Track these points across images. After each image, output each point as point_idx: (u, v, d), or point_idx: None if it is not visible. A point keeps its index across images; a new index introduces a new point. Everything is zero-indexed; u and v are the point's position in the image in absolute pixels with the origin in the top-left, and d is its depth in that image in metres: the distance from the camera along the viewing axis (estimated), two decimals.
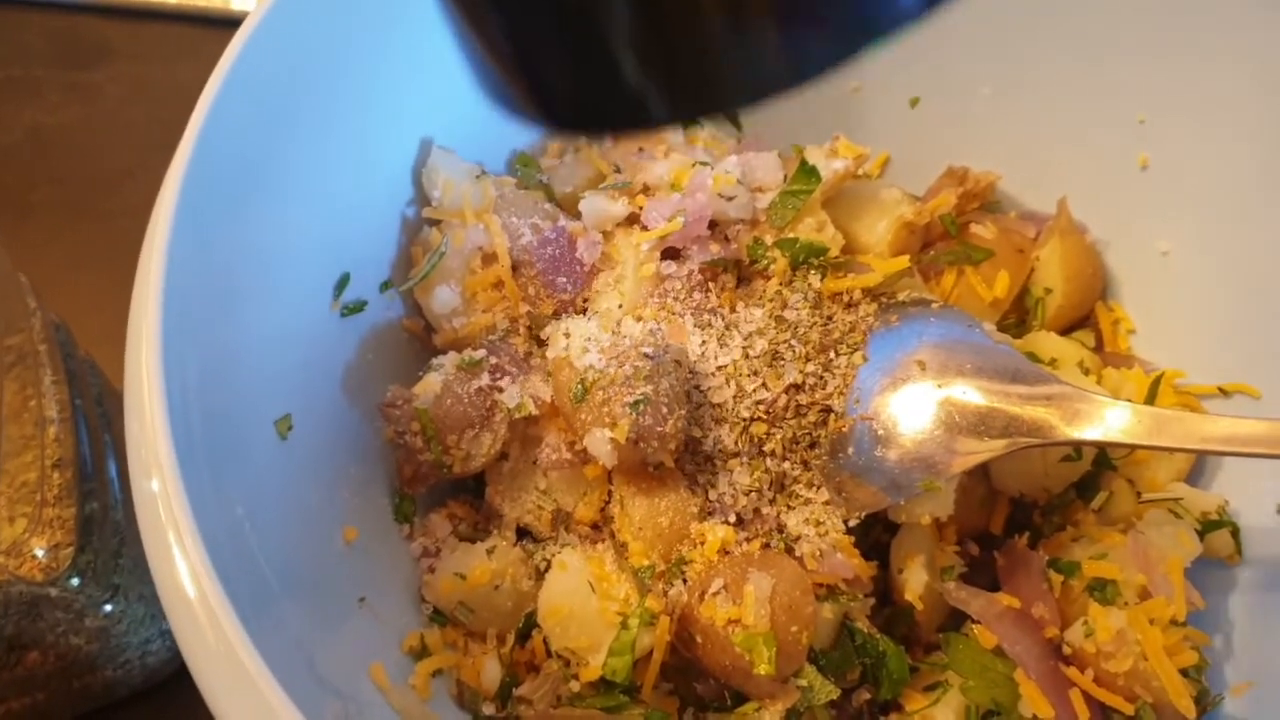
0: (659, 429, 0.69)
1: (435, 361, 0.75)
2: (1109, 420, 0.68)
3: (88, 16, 1.28)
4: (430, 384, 0.73)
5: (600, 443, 0.69)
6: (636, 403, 0.69)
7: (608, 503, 0.76)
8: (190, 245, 0.58)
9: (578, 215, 0.81)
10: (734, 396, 0.74)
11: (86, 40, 1.26)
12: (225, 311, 0.60)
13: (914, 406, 0.73)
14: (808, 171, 0.80)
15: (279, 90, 0.68)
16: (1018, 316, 0.87)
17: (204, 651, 0.50)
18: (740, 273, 0.81)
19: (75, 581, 0.72)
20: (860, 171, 0.87)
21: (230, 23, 1.24)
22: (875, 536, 0.80)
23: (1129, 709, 0.70)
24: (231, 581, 0.51)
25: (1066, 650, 0.72)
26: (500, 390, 0.74)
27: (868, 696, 0.74)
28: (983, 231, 0.86)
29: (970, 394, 0.71)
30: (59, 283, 1.01)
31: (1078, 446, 0.75)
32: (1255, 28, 0.77)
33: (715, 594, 0.68)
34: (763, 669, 0.66)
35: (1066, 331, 0.88)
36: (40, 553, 0.71)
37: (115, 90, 1.23)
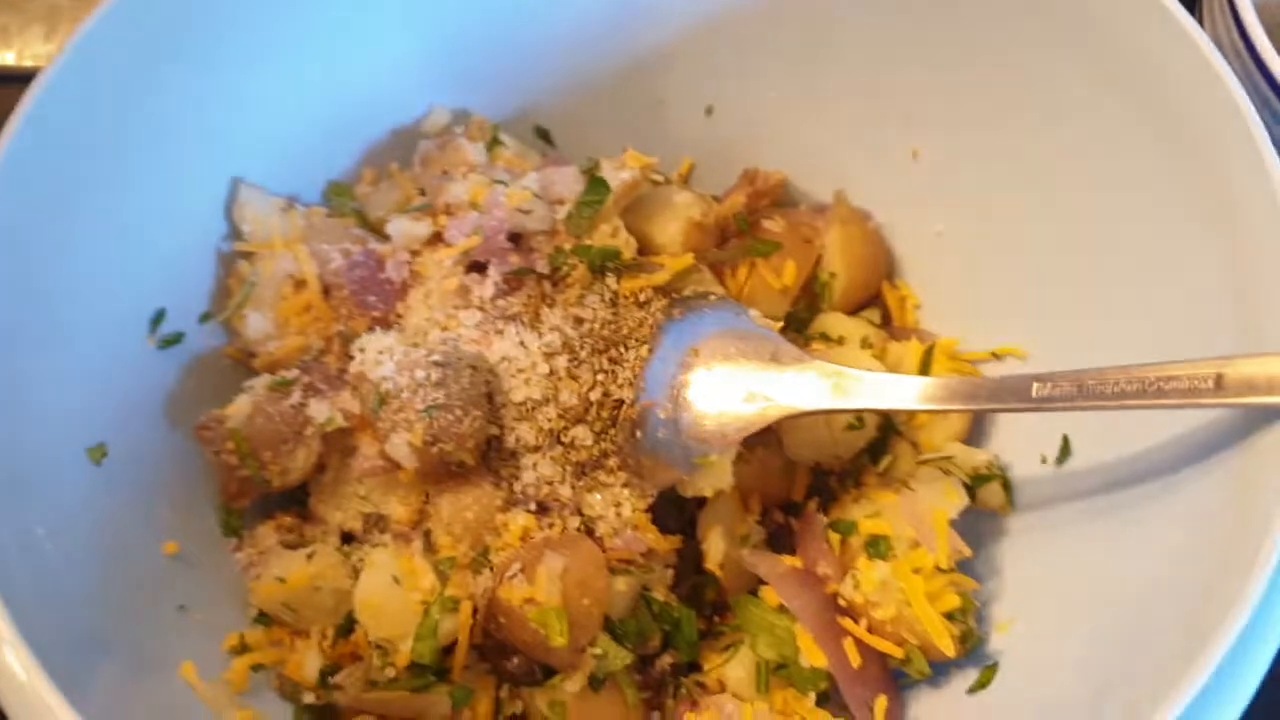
0: (455, 430, 0.75)
1: (246, 384, 0.80)
2: (847, 388, 0.75)
3: None
4: (241, 406, 0.78)
5: (400, 447, 0.75)
6: (429, 408, 0.75)
7: (427, 502, 0.82)
8: None
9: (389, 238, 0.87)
10: (533, 394, 0.80)
11: None
12: (8, 350, 0.66)
13: (693, 392, 0.79)
14: (598, 183, 0.86)
15: (76, 138, 0.73)
16: (809, 300, 0.94)
17: None
18: (548, 279, 0.87)
19: None
20: (662, 178, 0.93)
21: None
22: (690, 512, 0.86)
23: (899, 653, 0.76)
24: (12, 586, 0.56)
25: (843, 603, 0.78)
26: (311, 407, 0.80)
27: (670, 661, 0.80)
28: (772, 226, 0.93)
29: (735, 375, 0.78)
30: None
31: (824, 415, 0.81)
32: (999, 35, 0.84)
33: (513, 577, 0.74)
34: (556, 640, 0.72)
35: (856, 310, 0.95)
36: None
37: None
